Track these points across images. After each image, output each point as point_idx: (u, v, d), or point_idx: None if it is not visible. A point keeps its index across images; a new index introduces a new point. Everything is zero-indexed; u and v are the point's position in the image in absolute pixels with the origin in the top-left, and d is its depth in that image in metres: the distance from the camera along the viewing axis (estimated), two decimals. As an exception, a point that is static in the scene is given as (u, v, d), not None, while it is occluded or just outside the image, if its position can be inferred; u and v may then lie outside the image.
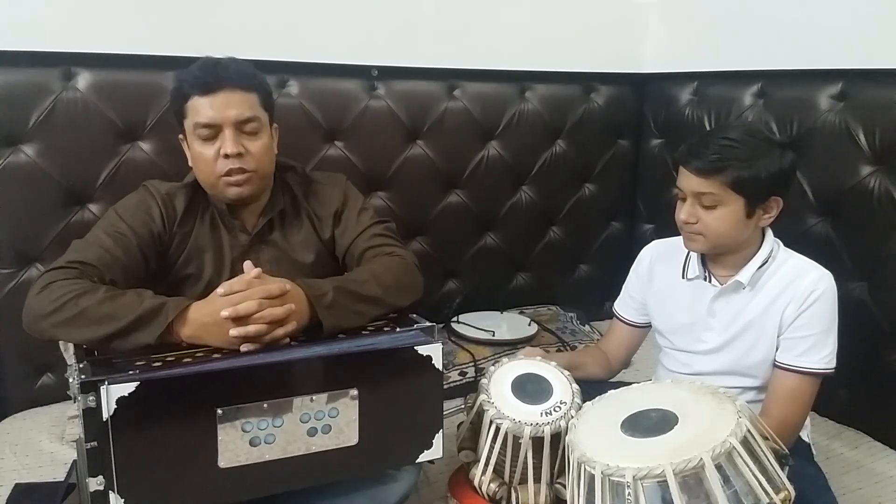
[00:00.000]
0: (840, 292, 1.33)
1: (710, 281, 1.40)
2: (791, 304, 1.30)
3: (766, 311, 1.33)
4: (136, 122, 1.68)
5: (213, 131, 1.25)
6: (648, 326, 1.57)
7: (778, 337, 1.32)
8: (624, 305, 1.57)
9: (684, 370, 1.46)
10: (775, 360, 1.33)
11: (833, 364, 1.31)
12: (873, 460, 1.55)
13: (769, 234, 1.36)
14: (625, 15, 2.28)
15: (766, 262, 1.34)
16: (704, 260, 1.41)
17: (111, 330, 1.06)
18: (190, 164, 1.34)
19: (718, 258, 1.38)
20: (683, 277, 1.43)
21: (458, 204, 2.13)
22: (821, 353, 1.29)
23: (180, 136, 1.34)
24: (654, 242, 1.54)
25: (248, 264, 1.18)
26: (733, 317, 1.37)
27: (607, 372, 1.56)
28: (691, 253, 1.42)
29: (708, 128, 2.03)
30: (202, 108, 1.24)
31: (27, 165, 1.60)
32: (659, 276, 1.49)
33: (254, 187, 1.31)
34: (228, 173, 1.26)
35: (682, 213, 1.32)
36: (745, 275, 1.34)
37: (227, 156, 1.25)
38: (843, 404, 1.69)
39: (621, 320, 1.57)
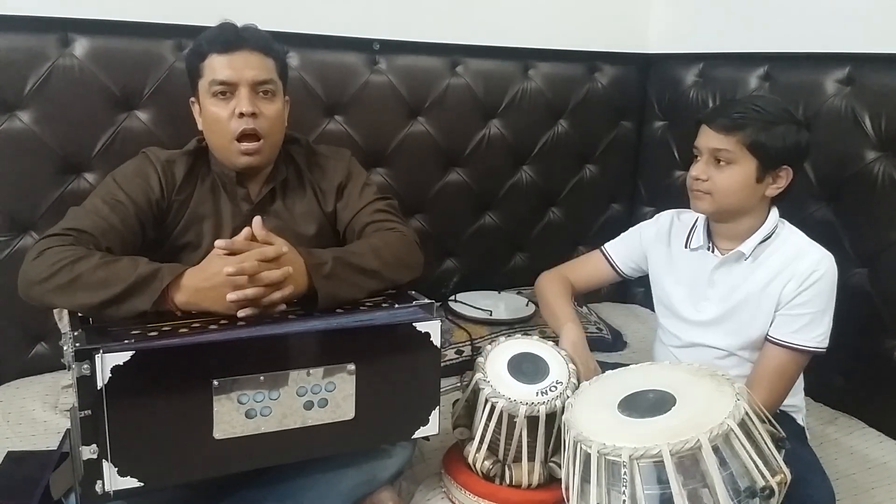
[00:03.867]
0: (839, 279, 1.34)
1: (712, 251, 1.42)
2: (791, 282, 1.32)
3: (766, 287, 1.34)
4: (133, 91, 1.66)
5: (228, 90, 1.25)
6: (625, 277, 1.60)
7: (774, 312, 1.33)
8: (616, 249, 1.60)
9: (682, 343, 1.47)
10: (768, 335, 1.35)
11: (825, 344, 1.32)
12: (867, 446, 1.55)
13: (775, 210, 1.38)
14: (631, -7, 2.26)
15: (770, 236, 1.36)
16: (709, 231, 1.43)
17: (106, 296, 1.06)
18: (200, 127, 1.33)
19: (722, 229, 1.40)
20: (686, 247, 1.46)
21: (458, 182, 2.11)
22: (815, 332, 1.31)
23: (192, 99, 1.33)
24: (676, 210, 1.55)
25: (257, 220, 1.16)
26: (732, 288, 1.39)
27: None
28: (697, 224, 1.45)
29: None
30: (220, 67, 1.25)
31: (23, 132, 1.58)
32: (665, 243, 1.51)
33: (264, 158, 1.30)
34: (242, 137, 1.26)
35: (695, 169, 1.35)
36: (747, 246, 1.36)
37: (241, 115, 1.24)
38: (839, 390, 1.69)
39: (607, 259, 1.59)
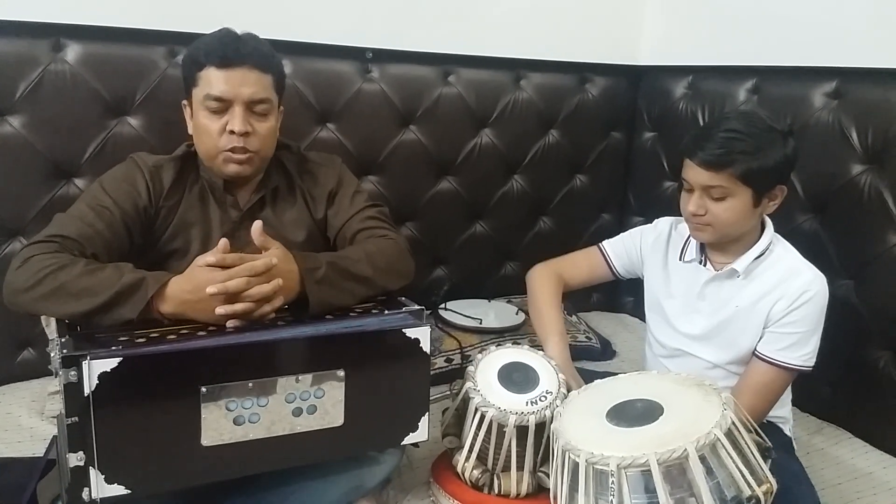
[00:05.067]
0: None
1: (705, 265, 1.41)
2: (782, 301, 1.31)
3: (756, 303, 1.34)
4: (124, 97, 1.65)
5: (223, 105, 1.24)
6: (620, 278, 1.59)
7: (763, 328, 1.34)
8: (615, 248, 1.58)
9: (669, 353, 1.48)
10: (755, 350, 1.35)
11: (811, 363, 1.33)
12: (853, 456, 1.56)
13: (769, 226, 1.38)
14: (622, 6, 2.27)
15: (764, 253, 1.36)
16: (703, 245, 1.42)
17: (91, 305, 1.05)
18: (189, 131, 1.32)
19: (718, 245, 1.39)
20: (681, 259, 1.45)
21: (450, 191, 2.11)
22: (802, 351, 1.31)
23: (184, 101, 1.33)
24: (675, 219, 1.52)
25: (257, 224, 1.15)
26: (723, 303, 1.39)
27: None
28: (691, 237, 1.43)
29: (702, 123, 2.03)
30: (216, 81, 1.23)
31: (13, 137, 1.57)
32: (661, 251, 1.51)
33: (253, 168, 1.30)
34: (231, 150, 1.25)
35: (691, 205, 1.32)
36: (741, 264, 1.35)
37: (233, 132, 1.23)
38: (826, 401, 1.71)
39: (605, 257, 1.58)
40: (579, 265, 1.60)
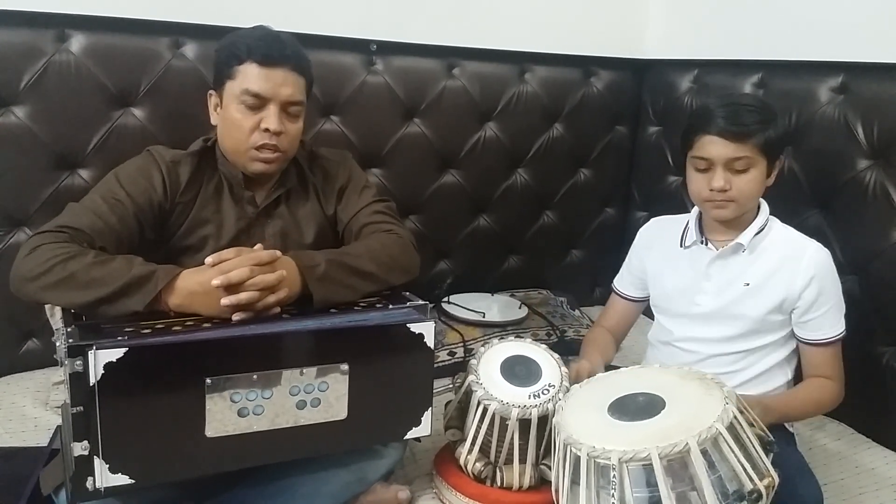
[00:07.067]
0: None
1: (706, 245, 1.43)
2: (797, 281, 1.34)
3: (768, 280, 1.36)
4: (129, 88, 1.66)
5: (259, 102, 1.24)
6: (643, 301, 1.60)
7: (791, 312, 1.36)
8: (622, 281, 1.62)
9: (678, 340, 1.47)
10: (803, 338, 1.38)
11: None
12: (856, 452, 1.56)
13: (764, 202, 1.41)
14: (627, -1, 2.27)
15: (763, 228, 1.39)
16: (701, 227, 1.45)
17: (99, 295, 1.05)
18: (213, 122, 1.32)
19: (719, 223, 1.41)
20: (682, 245, 1.47)
21: (453, 184, 2.11)
22: (840, 318, 1.37)
23: (210, 91, 1.32)
24: (652, 220, 1.59)
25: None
26: (730, 280, 1.40)
27: (616, 346, 1.61)
28: (689, 222, 1.46)
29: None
30: (256, 78, 1.23)
31: (17, 128, 1.58)
32: (658, 247, 1.53)
33: (278, 167, 1.31)
34: (262, 148, 1.25)
35: (717, 180, 1.31)
36: (745, 237, 1.38)
37: (267, 130, 1.24)
38: (829, 396, 1.70)
39: (619, 295, 1.62)
40: (609, 313, 1.64)
